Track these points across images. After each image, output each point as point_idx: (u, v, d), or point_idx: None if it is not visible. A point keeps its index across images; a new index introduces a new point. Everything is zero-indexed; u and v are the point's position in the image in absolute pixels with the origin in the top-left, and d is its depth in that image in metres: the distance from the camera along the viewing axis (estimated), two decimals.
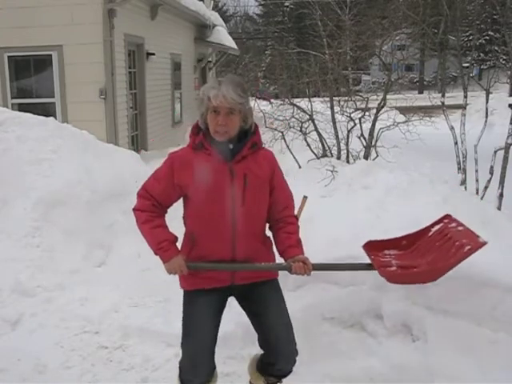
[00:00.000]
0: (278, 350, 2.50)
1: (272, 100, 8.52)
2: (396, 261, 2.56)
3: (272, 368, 2.58)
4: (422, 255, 2.53)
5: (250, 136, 2.38)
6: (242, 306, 2.61)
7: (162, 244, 2.40)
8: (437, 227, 2.62)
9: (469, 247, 2.34)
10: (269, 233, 2.56)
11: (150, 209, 2.41)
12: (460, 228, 2.53)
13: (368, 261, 2.54)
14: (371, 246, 2.64)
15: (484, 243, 2.33)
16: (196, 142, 2.36)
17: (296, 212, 3.94)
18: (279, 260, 2.52)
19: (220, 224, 2.36)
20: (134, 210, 2.46)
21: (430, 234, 2.61)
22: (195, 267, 2.43)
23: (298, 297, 3.42)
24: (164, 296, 3.91)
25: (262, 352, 2.62)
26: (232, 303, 2.97)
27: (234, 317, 3.19)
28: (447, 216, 2.64)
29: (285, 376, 2.63)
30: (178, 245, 2.48)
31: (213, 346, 2.47)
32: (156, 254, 2.45)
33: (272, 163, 2.46)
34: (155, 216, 2.42)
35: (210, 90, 2.28)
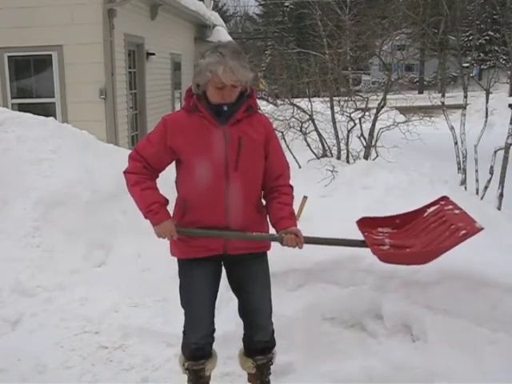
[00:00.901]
0: (257, 323, 2.58)
1: (270, 100, 8.52)
2: (389, 239, 2.50)
3: (251, 341, 2.64)
4: (415, 235, 2.47)
5: (245, 99, 2.33)
6: (229, 275, 2.60)
7: (151, 206, 2.35)
8: (433, 208, 2.55)
9: (464, 231, 2.26)
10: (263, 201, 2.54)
11: (140, 171, 2.39)
12: (456, 211, 2.46)
13: (361, 237, 2.49)
14: (365, 223, 2.59)
15: (480, 228, 2.26)
16: (190, 104, 2.32)
17: (296, 212, 3.94)
18: (272, 231, 2.48)
19: (213, 189, 2.32)
20: (125, 172, 2.43)
21: (426, 214, 2.54)
22: (186, 233, 2.39)
23: (298, 297, 3.41)
24: (164, 296, 3.91)
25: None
26: (231, 304, 2.97)
27: (233, 317, 3.19)
28: (444, 198, 2.57)
29: (268, 349, 2.66)
30: (170, 210, 2.44)
31: (213, 310, 2.52)
32: (146, 217, 2.40)
33: (267, 128, 2.43)
34: (146, 178, 2.39)
35: (215, 65, 2.19)
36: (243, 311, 2.61)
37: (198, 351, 2.57)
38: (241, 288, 2.57)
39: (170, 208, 2.47)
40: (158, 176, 2.47)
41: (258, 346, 2.66)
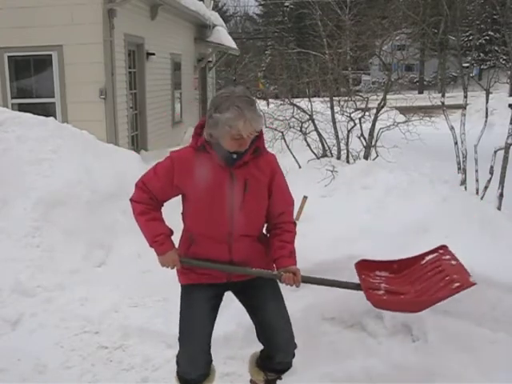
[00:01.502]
0: (277, 342, 2.52)
1: (271, 100, 8.52)
2: (385, 284, 2.53)
3: (271, 362, 2.59)
4: (411, 282, 2.51)
5: (254, 141, 2.35)
6: (240, 300, 2.62)
7: (157, 238, 2.43)
8: (431, 256, 2.57)
9: (458, 284, 2.30)
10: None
11: (146, 201, 2.44)
12: (453, 262, 2.49)
13: (357, 280, 2.52)
14: (363, 266, 2.62)
15: (474, 283, 2.30)
16: (198, 143, 2.34)
17: (296, 212, 3.95)
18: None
19: (218, 227, 2.38)
20: (131, 200, 2.49)
21: (423, 262, 2.56)
22: (189, 263, 2.46)
23: (299, 297, 3.41)
24: (164, 296, 3.91)
25: (260, 349, 2.64)
26: (232, 304, 2.97)
27: (234, 317, 3.19)
28: (443, 247, 2.59)
29: (284, 370, 2.64)
30: (175, 240, 2.49)
31: (209, 340, 2.50)
32: (151, 246, 2.47)
33: (273, 167, 2.45)
34: (151, 208, 2.44)
35: (235, 120, 2.18)
36: (261, 331, 2.56)
37: (194, 382, 2.54)
38: (254, 308, 2.56)
39: (176, 238, 2.52)
40: (163, 205, 2.51)
41: (278, 367, 2.62)
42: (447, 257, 2.53)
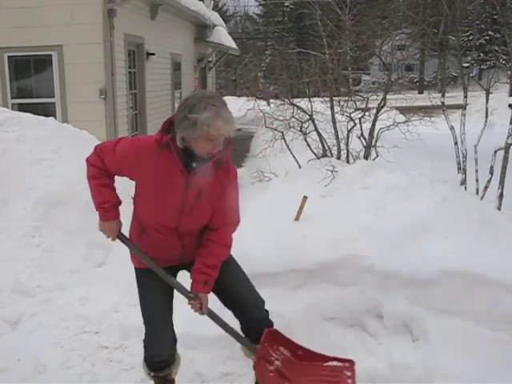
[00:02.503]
0: (246, 303, 2.62)
1: (271, 100, 8.52)
2: (280, 363, 2.52)
3: (250, 327, 2.64)
4: (303, 375, 2.50)
5: (218, 152, 2.32)
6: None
7: (104, 204, 2.50)
8: (335, 363, 2.56)
9: None
10: None
11: (100, 166, 2.47)
12: (349, 381, 2.48)
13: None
14: (271, 335, 2.58)
15: None
16: (163, 140, 2.31)
17: (296, 212, 3.95)
18: None
19: (165, 223, 2.42)
20: (87, 160, 2.51)
21: (326, 364, 2.55)
22: (125, 243, 2.58)
23: (299, 297, 3.42)
24: None
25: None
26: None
27: (234, 317, 3.19)
28: (351, 362, 2.56)
29: (261, 327, 2.62)
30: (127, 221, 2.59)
31: (171, 319, 2.59)
32: (96, 210, 2.54)
33: (229, 181, 2.43)
34: (104, 174, 2.48)
35: (214, 119, 2.17)
36: (226, 301, 2.64)
37: (163, 363, 2.64)
38: (223, 291, 2.61)
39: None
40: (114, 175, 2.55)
41: (258, 326, 2.62)
42: (348, 373, 2.50)
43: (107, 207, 2.50)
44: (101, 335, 3.53)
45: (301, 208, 4.04)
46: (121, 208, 2.60)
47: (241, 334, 2.62)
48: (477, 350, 2.92)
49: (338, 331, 3.35)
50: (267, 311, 2.71)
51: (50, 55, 7.95)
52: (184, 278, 2.60)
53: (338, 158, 6.55)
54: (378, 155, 6.49)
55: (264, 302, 2.68)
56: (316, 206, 4.08)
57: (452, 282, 3.18)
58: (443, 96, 7.47)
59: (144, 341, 2.64)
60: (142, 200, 2.45)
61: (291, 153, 6.81)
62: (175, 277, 2.62)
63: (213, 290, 2.57)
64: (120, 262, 4.56)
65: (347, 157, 6.54)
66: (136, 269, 2.64)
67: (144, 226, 2.49)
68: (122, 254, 4.70)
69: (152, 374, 2.70)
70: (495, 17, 15.15)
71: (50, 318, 3.68)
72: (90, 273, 4.37)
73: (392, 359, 3.04)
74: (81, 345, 3.42)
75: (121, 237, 2.56)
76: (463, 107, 7.15)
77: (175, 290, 2.56)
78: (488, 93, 6.92)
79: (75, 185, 4.94)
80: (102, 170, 2.46)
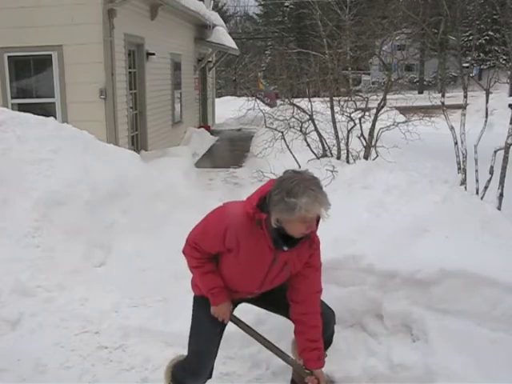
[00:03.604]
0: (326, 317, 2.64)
1: (277, 101, 8.51)
2: None
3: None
4: None
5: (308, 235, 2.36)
6: (257, 304, 2.75)
7: (213, 290, 2.53)
8: None
9: None
10: None
11: (198, 256, 2.50)
12: None
13: None
14: None
15: None
16: (256, 217, 2.30)
17: None
18: None
19: (246, 290, 2.56)
20: (184, 253, 2.55)
21: None
22: (237, 324, 2.62)
23: None
24: (164, 296, 3.91)
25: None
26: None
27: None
28: None
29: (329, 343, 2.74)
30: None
31: (216, 353, 2.61)
32: (207, 296, 2.56)
33: (312, 254, 2.49)
34: (206, 261, 2.52)
35: (313, 204, 2.17)
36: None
37: None
38: (276, 303, 2.65)
39: None
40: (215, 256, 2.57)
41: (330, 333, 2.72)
42: None
43: (216, 292, 2.52)
44: (101, 335, 3.53)
45: None
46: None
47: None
48: (477, 349, 2.92)
49: (337, 331, 3.33)
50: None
51: (50, 55, 7.96)
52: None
53: (338, 157, 6.56)
54: (377, 155, 6.49)
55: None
56: None
57: (452, 281, 3.17)
58: (443, 96, 7.47)
59: (185, 362, 2.66)
60: (228, 270, 2.50)
61: (291, 153, 6.81)
62: (235, 306, 2.70)
63: (265, 306, 2.71)
64: (120, 262, 4.58)
65: (347, 157, 6.55)
66: (196, 296, 2.67)
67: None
68: (122, 254, 4.73)
69: None
70: (495, 17, 15.15)
71: (50, 318, 3.68)
72: (89, 273, 4.37)
73: (392, 359, 3.04)
74: (81, 345, 3.42)
75: (233, 318, 2.64)
76: (463, 107, 7.15)
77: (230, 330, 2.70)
78: (488, 93, 6.93)
79: (75, 185, 4.94)
80: (200, 259, 2.50)
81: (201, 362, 2.57)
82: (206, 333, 2.58)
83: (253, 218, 2.30)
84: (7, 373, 3.09)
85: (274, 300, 2.65)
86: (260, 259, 2.38)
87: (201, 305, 2.60)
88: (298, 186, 2.17)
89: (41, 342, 3.40)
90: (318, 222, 2.33)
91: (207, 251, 2.47)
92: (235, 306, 2.70)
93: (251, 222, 2.31)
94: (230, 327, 3.20)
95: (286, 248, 2.33)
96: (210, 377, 2.64)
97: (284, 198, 2.16)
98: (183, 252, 2.53)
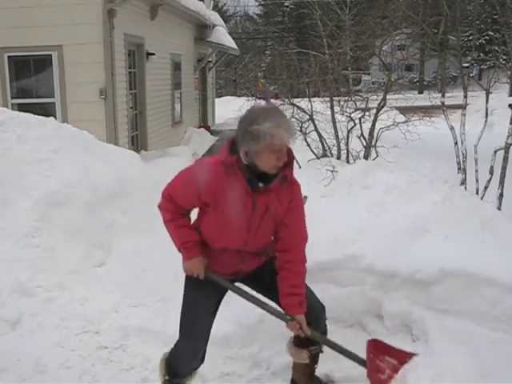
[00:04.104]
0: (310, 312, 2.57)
1: (272, 101, 8.51)
2: (390, 371, 2.53)
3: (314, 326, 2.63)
4: None
5: (282, 169, 2.34)
6: (251, 287, 2.67)
7: (186, 244, 2.48)
8: None
9: None
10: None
11: (174, 209, 2.47)
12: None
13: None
14: (376, 345, 2.60)
15: None
16: (229, 161, 2.31)
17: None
18: None
19: (232, 247, 2.45)
20: (159, 207, 2.52)
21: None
22: (212, 278, 2.52)
23: None
24: (164, 296, 3.91)
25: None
26: (232, 304, 2.97)
27: (234, 317, 3.20)
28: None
29: (324, 331, 2.72)
30: None
31: (209, 332, 2.58)
32: (179, 251, 2.52)
33: (293, 198, 2.45)
34: (180, 215, 2.49)
35: (277, 128, 2.18)
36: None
37: (186, 372, 2.64)
38: (269, 287, 2.58)
39: None
40: (190, 212, 2.55)
41: (321, 325, 2.69)
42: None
43: (189, 246, 2.49)
44: (101, 335, 3.53)
45: None
46: None
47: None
48: (477, 349, 2.92)
49: (337, 331, 3.34)
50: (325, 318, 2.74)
51: (50, 55, 7.96)
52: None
53: (338, 157, 6.55)
54: (377, 155, 6.48)
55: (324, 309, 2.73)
56: (316, 205, 4.07)
57: (452, 281, 3.18)
58: (443, 96, 7.48)
59: (176, 347, 2.62)
60: (208, 226, 2.47)
61: None
62: (224, 294, 2.66)
63: (262, 291, 2.62)
64: (120, 262, 4.57)
65: (347, 157, 6.54)
66: (187, 276, 2.60)
67: (204, 241, 2.52)
68: (122, 254, 4.72)
69: (167, 377, 2.70)
70: (495, 17, 15.15)
71: (50, 318, 3.68)
72: (89, 273, 4.37)
73: None
74: (81, 345, 3.42)
75: (208, 273, 2.54)
76: (463, 107, 7.15)
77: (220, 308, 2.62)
78: (488, 93, 6.93)
79: (75, 185, 4.94)
80: (175, 213, 2.47)
81: (192, 345, 2.55)
82: (197, 314, 2.54)
83: (226, 164, 2.31)
84: (7, 373, 3.09)
85: (264, 282, 2.59)
86: (239, 206, 2.33)
87: (192, 286, 2.56)
88: (260, 115, 2.22)
89: (41, 342, 3.40)
90: (290, 160, 2.36)
91: (182, 205, 2.45)
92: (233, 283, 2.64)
93: (225, 169, 2.31)
94: (231, 327, 3.21)
95: (261, 184, 2.31)
96: (202, 361, 2.62)
97: (248, 128, 2.20)
98: (158, 206, 2.52)
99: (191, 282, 2.56)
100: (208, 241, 2.50)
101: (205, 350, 2.60)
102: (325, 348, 2.98)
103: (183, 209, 2.48)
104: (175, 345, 2.63)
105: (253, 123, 2.20)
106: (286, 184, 2.40)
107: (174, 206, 2.45)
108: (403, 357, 2.56)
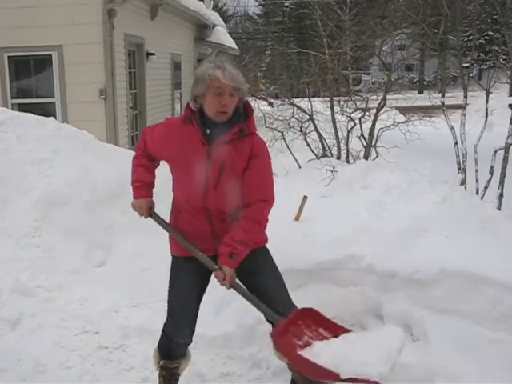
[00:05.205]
0: (275, 297, 2.53)
1: (273, 100, 8.51)
2: (314, 341, 2.38)
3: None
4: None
5: (238, 120, 2.35)
6: (245, 285, 2.60)
7: (136, 183, 2.65)
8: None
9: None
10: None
11: (142, 148, 2.63)
12: None
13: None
14: (311, 315, 2.46)
15: None
16: (186, 115, 2.41)
17: (296, 212, 3.95)
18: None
19: (194, 201, 2.44)
20: (135, 144, 2.64)
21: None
22: (158, 222, 2.60)
23: (299, 297, 3.41)
24: (164, 296, 3.87)
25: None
26: (232, 304, 2.98)
27: (234, 317, 3.20)
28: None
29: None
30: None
31: (197, 312, 2.58)
32: (131, 186, 2.69)
33: (255, 152, 2.37)
34: (145, 157, 2.62)
35: (214, 69, 2.27)
36: (259, 296, 2.53)
37: (177, 351, 2.67)
38: (248, 273, 2.53)
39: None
40: (159, 162, 2.65)
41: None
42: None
43: (139, 185, 2.62)
44: (101, 335, 3.52)
45: (301, 208, 4.04)
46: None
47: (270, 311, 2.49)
48: (477, 349, 2.92)
49: None
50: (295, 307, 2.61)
51: (50, 55, 7.96)
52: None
53: (338, 157, 6.55)
54: (377, 155, 6.49)
55: (292, 301, 2.61)
56: (316, 205, 4.08)
57: (452, 281, 3.18)
58: (443, 96, 7.49)
59: (164, 326, 2.65)
60: (174, 179, 2.53)
61: (291, 153, 6.81)
62: (210, 273, 2.56)
63: (240, 276, 2.52)
64: (120, 262, 4.57)
65: (347, 157, 6.54)
66: (173, 256, 2.63)
67: (178, 207, 2.54)
68: (122, 254, 4.72)
69: (162, 362, 2.71)
70: (495, 17, 15.16)
71: (50, 318, 3.68)
72: (89, 273, 4.37)
73: None
74: (81, 345, 3.42)
75: (153, 215, 2.64)
76: (463, 107, 7.16)
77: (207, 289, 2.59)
78: (488, 93, 6.94)
79: (75, 185, 4.94)
80: (142, 152, 2.60)
81: (179, 321, 2.57)
82: (180, 294, 2.56)
83: (185, 117, 2.41)
84: (7, 373, 3.09)
85: (258, 285, 2.54)
86: (194, 155, 2.36)
87: (177, 265, 2.59)
88: (206, 61, 2.36)
89: (41, 342, 3.40)
90: (249, 113, 2.38)
91: (147, 149, 2.57)
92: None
93: (183, 122, 2.42)
94: (231, 327, 3.21)
95: (208, 130, 2.34)
96: (190, 340, 2.62)
97: (193, 75, 2.34)
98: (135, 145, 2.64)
99: (176, 261, 2.60)
100: (175, 194, 2.54)
101: (193, 330, 2.60)
102: None
103: (149, 153, 2.58)
104: (164, 324, 2.66)
105: (197, 69, 2.36)
106: (247, 139, 2.37)
107: (143, 147, 2.59)
108: (336, 330, 2.43)
